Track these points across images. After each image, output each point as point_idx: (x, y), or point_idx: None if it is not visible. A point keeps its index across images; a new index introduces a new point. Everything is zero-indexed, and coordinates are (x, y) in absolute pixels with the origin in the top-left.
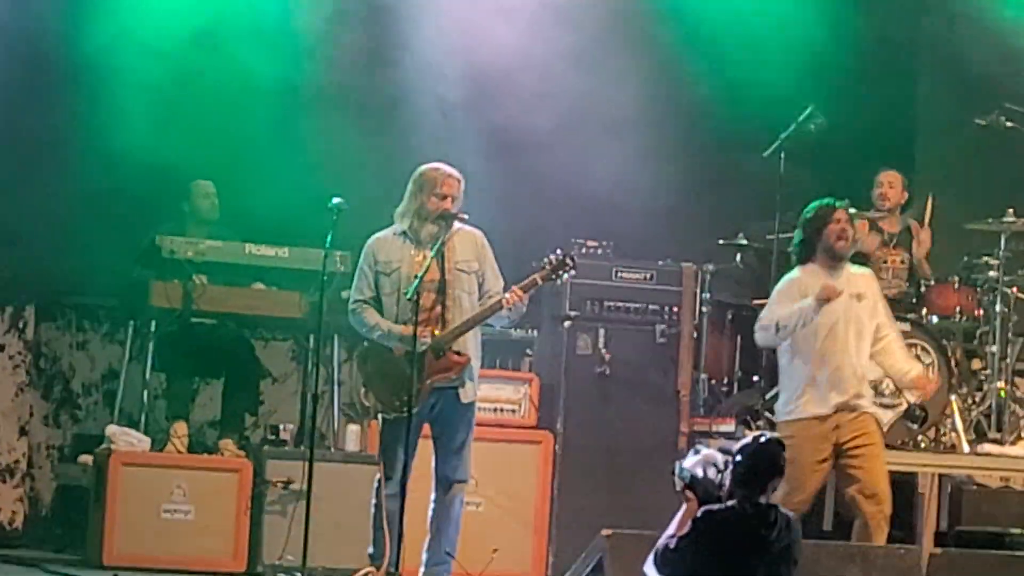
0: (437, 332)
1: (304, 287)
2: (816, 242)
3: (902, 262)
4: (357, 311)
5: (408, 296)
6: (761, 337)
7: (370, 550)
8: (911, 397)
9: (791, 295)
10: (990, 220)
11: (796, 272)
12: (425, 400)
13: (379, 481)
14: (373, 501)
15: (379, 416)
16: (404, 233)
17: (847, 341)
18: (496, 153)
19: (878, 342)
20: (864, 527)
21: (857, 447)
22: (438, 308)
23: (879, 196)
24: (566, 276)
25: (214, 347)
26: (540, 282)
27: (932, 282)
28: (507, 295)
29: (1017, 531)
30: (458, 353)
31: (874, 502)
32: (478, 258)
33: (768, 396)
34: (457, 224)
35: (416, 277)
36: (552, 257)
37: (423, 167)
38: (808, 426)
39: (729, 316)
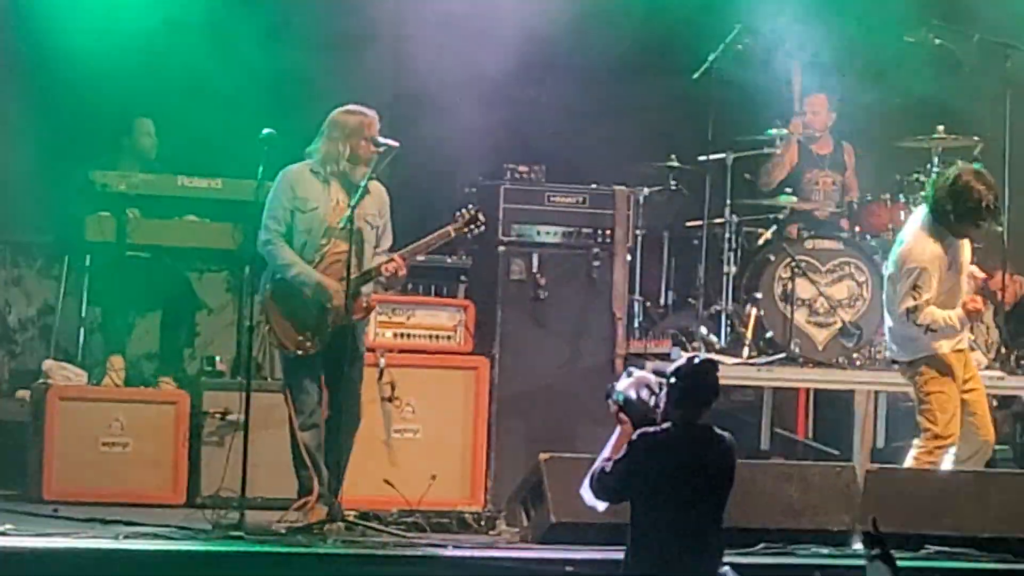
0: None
1: (237, 218)
2: (961, 217)
3: (833, 183)
4: (272, 244)
5: (342, 226)
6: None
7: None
8: (845, 315)
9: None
10: (921, 137)
11: (932, 242)
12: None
13: (291, 417)
14: (291, 437)
15: (281, 354)
16: (321, 174)
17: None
18: (425, 82)
19: None
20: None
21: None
22: (348, 257)
23: (806, 122)
24: (475, 231)
25: (149, 280)
26: (451, 235)
27: (864, 200)
28: (386, 264)
29: None
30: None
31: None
32: (382, 214)
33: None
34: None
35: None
36: (464, 212)
37: (342, 112)
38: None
39: (664, 238)
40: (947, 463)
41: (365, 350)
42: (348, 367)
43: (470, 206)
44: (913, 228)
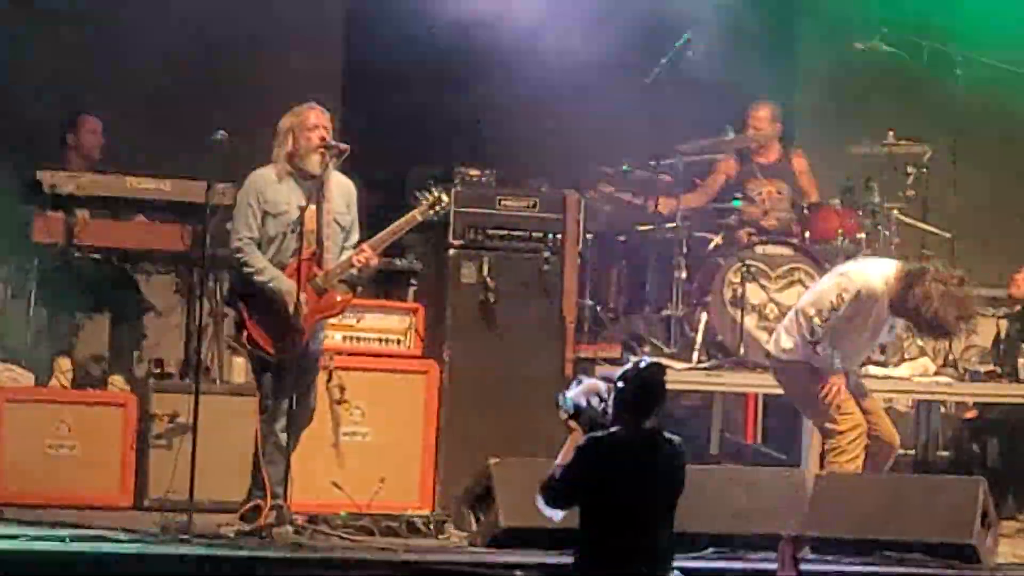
0: (319, 272)
1: (186, 219)
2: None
3: (778, 192)
4: (244, 251)
5: (292, 228)
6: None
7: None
8: None
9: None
10: (871, 143)
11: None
12: (307, 338)
13: (262, 420)
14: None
15: (256, 359)
16: (289, 175)
17: None
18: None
19: None
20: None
21: None
22: (319, 259)
23: (751, 132)
24: (441, 213)
25: (97, 282)
26: (418, 219)
27: (814, 206)
28: (357, 255)
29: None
30: (340, 292)
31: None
32: (349, 210)
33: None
34: (332, 168)
35: (299, 223)
36: (427, 194)
37: (286, 114)
38: None
39: (614, 243)
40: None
41: (322, 350)
42: (309, 366)
43: (432, 187)
44: (885, 273)
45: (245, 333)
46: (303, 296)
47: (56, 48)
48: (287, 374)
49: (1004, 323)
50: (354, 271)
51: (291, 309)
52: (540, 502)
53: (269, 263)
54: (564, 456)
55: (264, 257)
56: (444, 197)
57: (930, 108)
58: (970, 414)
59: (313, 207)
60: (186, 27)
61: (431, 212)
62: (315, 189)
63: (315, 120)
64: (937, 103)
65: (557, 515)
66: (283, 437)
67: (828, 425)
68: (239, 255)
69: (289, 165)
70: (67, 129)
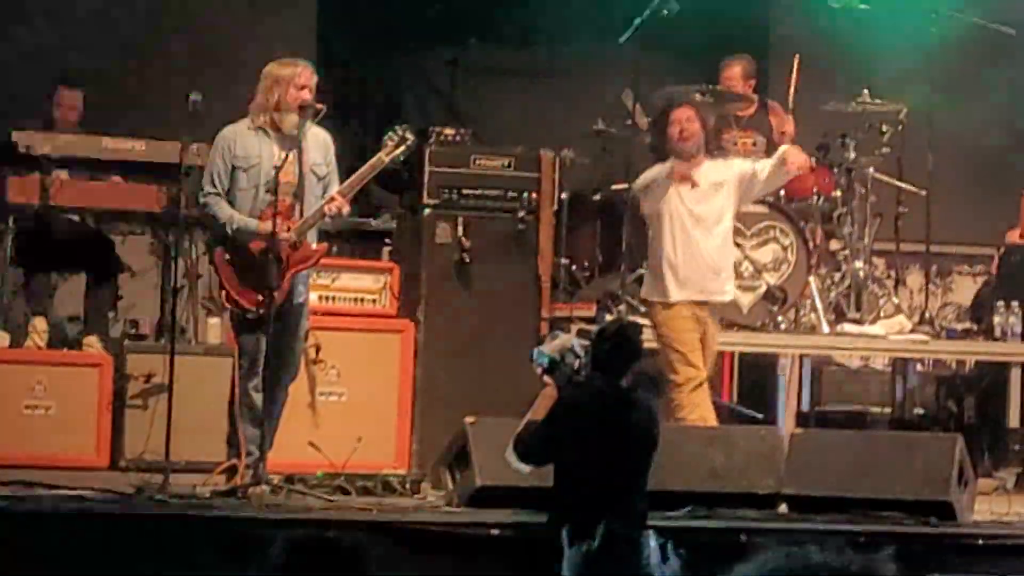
0: (291, 225)
1: (162, 180)
2: (662, 144)
3: (753, 144)
4: (209, 203)
5: (266, 185)
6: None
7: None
8: (770, 279)
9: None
10: (846, 101)
11: (653, 171)
12: (286, 292)
13: (237, 377)
14: (231, 397)
15: (235, 315)
16: (262, 128)
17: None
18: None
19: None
20: None
21: None
22: (294, 211)
23: (728, 81)
24: (406, 152)
25: (72, 242)
26: (384, 160)
27: None
28: (329, 204)
29: (877, 409)
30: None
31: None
32: (327, 162)
33: (630, 280)
34: (307, 127)
35: (275, 170)
36: (391, 134)
37: (274, 63)
38: None
39: (590, 202)
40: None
41: (306, 301)
42: (288, 318)
43: (396, 127)
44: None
45: (223, 291)
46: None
47: (35, 12)
48: (264, 331)
49: (980, 280)
50: (327, 220)
51: (260, 251)
52: (511, 456)
53: (235, 212)
54: (536, 411)
55: (230, 208)
56: (409, 136)
57: (906, 65)
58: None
59: (291, 158)
60: None
61: (397, 151)
62: (292, 142)
63: (303, 79)
64: (913, 60)
65: (526, 468)
66: (257, 397)
67: (669, 376)
68: (205, 208)
69: (264, 117)
70: (46, 102)
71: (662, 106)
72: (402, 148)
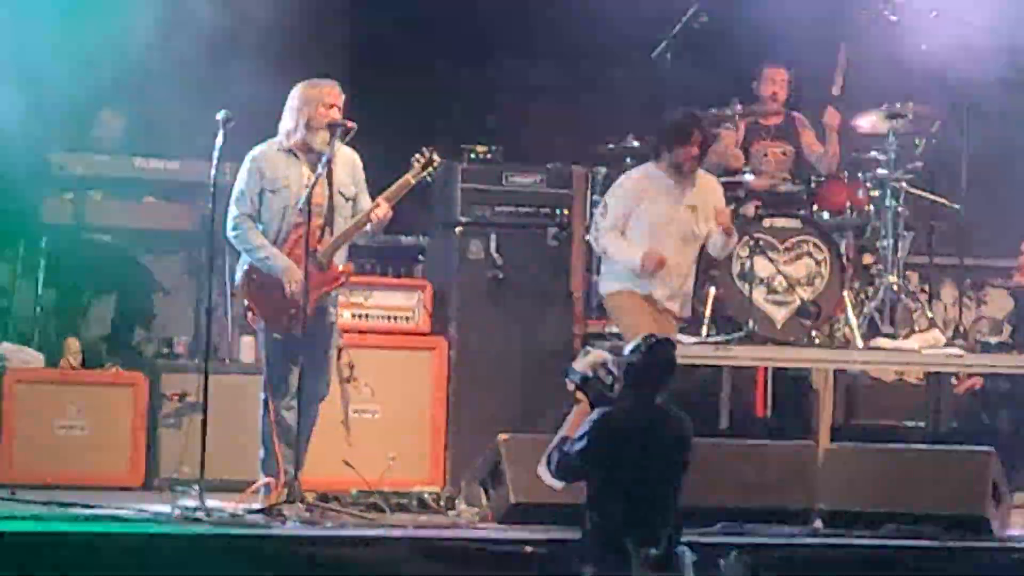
0: (320, 246)
1: (194, 199)
2: (666, 153)
3: (783, 154)
4: (241, 227)
5: (300, 205)
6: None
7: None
8: (804, 293)
9: (627, 198)
10: (879, 114)
11: (641, 170)
12: (311, 313)
13: (266, 398)
14: (262, 416)
15: (264, 335)
16: (291, 151)
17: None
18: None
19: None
20: None
21: None
22: (323, 232)
23: (770, 94)
24: (433, 173)
25: (105, 262)
26: (412, 182)
27: (822, 178)
28: (375, 210)
29: (911, 424)
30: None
31: None
32: (355, 182)
33: None
34: (337, 145)
35: (306, 189)
36: (418, 156)
37: (303, 83)
38: None
39: None
40: None
41: (336, 321)
42: (319, 339)
43: (424, 150)
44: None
45: (250, 312)
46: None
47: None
48: (295, 351)
49: (1014, 294)
50: (368, 229)
51: (287, 287)
52: (544, 472)
53: (266, 241)
54: (570, 428)
55: (261, 234)
56: (436, 157)
57: (937, 78)
58: (966, 385)
59: (321, 180)
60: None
61: (424, 173)
62: (321, 167)
63: (332, 99)
64: (944, 73)
65: (559, 484)
66: (290, 416)
67: None
68: (235, 231)
69: (294, 138)
70: (91, 121)
71: (679, 122)
72: (429, 169)
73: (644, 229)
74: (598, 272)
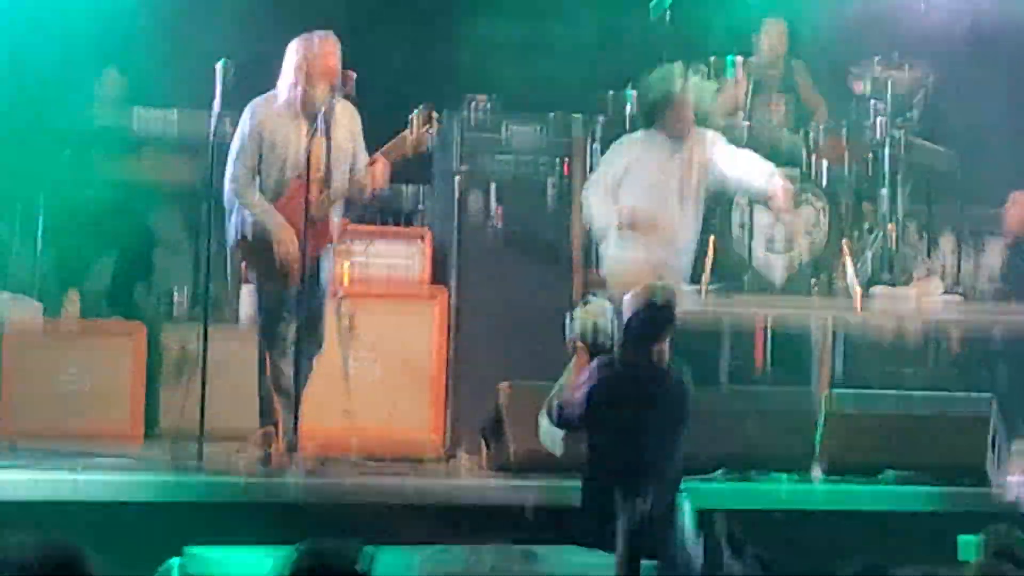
0: (317, 199)
1: (193, 151)
2: (655, 119)
3: (784, 104)
4: (238, 181)
5: (299, 159)
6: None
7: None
8: (803, 244)
9: (618, 160)
10: (876, 69)
11: (637, 135)
12: (306, 269)
13: (263, 350)
14: (258, 368)
15: (257, 289)
16: (290, 106)
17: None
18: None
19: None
20: None
21: None
22: (321, 189)
23: (767, 47)
24: (432, 132)
25: (105, 217)
26: (409, 140)
27: (822, 132)
28: (372, 167)
29: (911, 370)
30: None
31: None
32: (353, 137)
33: None
34: (338, 96)
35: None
36: (416, 114)
37: (298, 38)
38: None
39: None
40: None
41: (330, 276)
42: (313, 294)
43: (422, 106)
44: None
45: (245, 266)
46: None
47: None
48: (288, 304)
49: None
50: (368, 183)
51: (277, 247)
52: (544, 421)
53: (261, 197)
54: (568, 377)
55: (257, 189)
56: (435, 114)
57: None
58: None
59: (320, 136)
60: None
61: (422, 131)
62: (321, 117)
63: (329, 48)
64: (941, 28)
65: (558, 447)
66: (287, 368)
67: None
68: (232, 184)
69: (294, 92)
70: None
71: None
72: (426, 129)
73: (638, 192)
74: None
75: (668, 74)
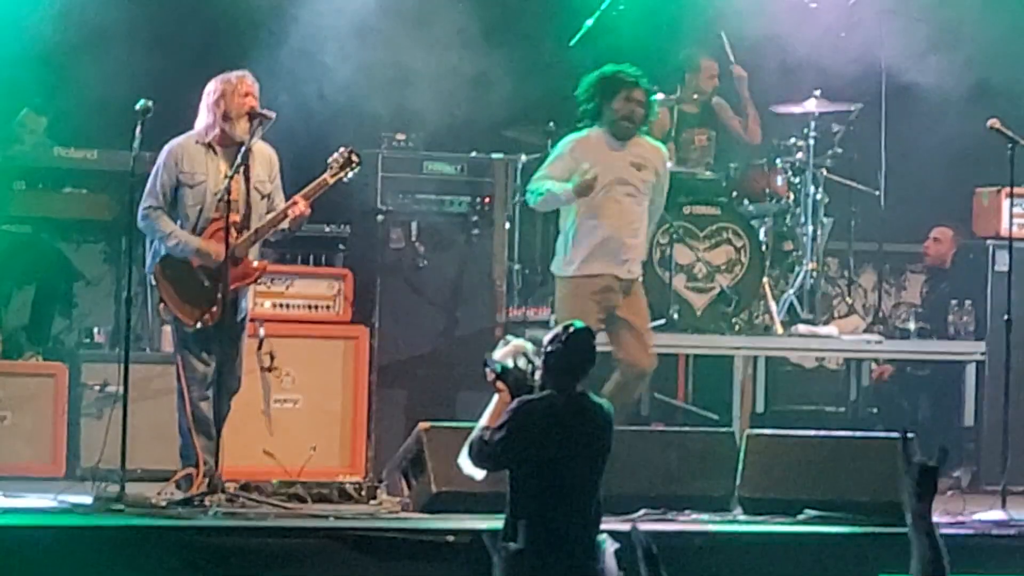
0: (236, 240)
1: (114, 190)
2: (607, 108)
3: (707, 139)
4: (150, 217)
5: (220, 197)
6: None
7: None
8: (723, 281)
9: (567, 156)
10: (797, 103)
11: (582, 133)
12: (225, 307)
13: (183, 390)
14: (178, 407)
15: (176, 327)
16: (209, 144)
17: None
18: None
19: None
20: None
21: None
22: (240, 228)
23: (706, 80)
24: (351, 173)
25: (24, 252)
26: (329, 182)
27: (741, 166)
28: (291, 207)
29: (831, 409)
30: (255, 259)
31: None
32: (271, 178)
33: None
34: (257, 135)
35: (225, 179)
36: (337, 156)
37: (217, 77)
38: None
39: None
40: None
41: (248, 316)
42: (231, 332)
43: (341, 149)
44: None
45: (162, 304)
46: (215, 248)
47: None
48: (209, 343)
49: (930, 280)
50: (285, 225)
51: (201, 268)
52: (465, 462)
53: (176, 226)
54: (490, 417)
55: (171, 221)
56: (355, 157)
57: (856, 65)
58: (877, 372)
59: (238, 175)
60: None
61: (342, 173)
62: (240, 157)
63: (246, 87)
64: (863, 61)
65: (479, 474)
66: (206, 406)
67: None
68: (144, 221)
69: (213, 132)
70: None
71: (615, 80)
72: (347, 170)
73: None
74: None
75: (621, 69)
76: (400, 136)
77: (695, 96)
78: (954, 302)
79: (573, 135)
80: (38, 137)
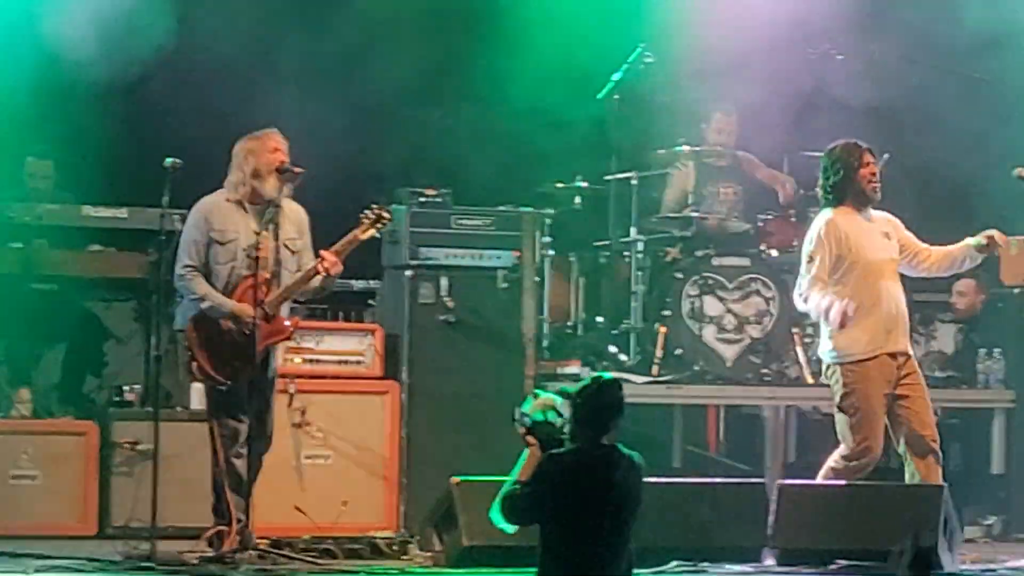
0: (268, 298)
1: (143, 247)
2: (850, 181)
3: (734, 193)
4: (186, 277)
5: (247, 253)
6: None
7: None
8: (753, 331)
9: (830, 245)
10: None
11: (830, 214)
12: (257, 365)
13: (217, 448)
14: (211, 464)
15: (208, 386)
16: (239, 202)
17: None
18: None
19: (917, 255)
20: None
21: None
22: (270, 285)
23: (719, 139)
24: (382, 229)
25: (55, 311)
26: (360, 238)
27: (770, 217)
28: (321, 263)
29: None
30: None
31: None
32: (301, 235)
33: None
34: (286, 193)
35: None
36: (368, 212)
37: (245, 137)
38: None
39: (571, 259)
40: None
41: (277, 373)
42: (261, 389)
43: (372, 206)
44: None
45: (195, 363)
46: (249, 311)
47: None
48: (242, 400)
49: (962, 329)
50: (318, 282)
51: (234, 327)
52: (497, 516)
53: (211, 288)
54: (521, 471)
55: (206, 283)
56: (385, 214)
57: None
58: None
59: (267, 233)
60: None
61: (373, 230)
62: (270, 214)
63: (275, 143)
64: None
65: (511, 528)
66: (240, 463)
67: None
68: (181, 283)
69: (243, 190)
70: (21, 171)
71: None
72: (378, 226)
73: (859, 272)
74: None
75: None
76: (429, 191)
77: (718, 148)
78: (983, 351)
79: (820, 220)
80: (50, 183)
